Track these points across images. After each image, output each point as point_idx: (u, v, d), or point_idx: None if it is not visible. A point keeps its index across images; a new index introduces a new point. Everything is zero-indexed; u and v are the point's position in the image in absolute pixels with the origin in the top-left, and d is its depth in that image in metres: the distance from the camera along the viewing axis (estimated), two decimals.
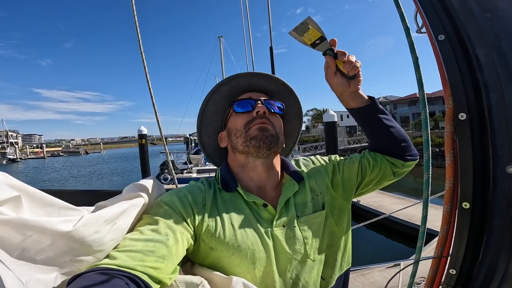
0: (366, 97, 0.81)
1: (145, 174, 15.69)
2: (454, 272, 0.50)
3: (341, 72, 0.76)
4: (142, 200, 0.66)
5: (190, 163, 17.37)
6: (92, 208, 0.63)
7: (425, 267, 0.64)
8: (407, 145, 0.83)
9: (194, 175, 14.10)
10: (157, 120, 1.23)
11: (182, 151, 21.78)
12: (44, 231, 0.46)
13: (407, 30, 0.65)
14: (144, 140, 15.96)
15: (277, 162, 0.82)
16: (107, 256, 0.55)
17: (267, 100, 0.81)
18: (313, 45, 0.74)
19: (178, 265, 0.63)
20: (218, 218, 0.70)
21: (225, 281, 0.62)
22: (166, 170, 16.64)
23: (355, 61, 0.72)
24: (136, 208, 0.64)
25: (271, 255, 0.69)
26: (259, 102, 0.79)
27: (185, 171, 16.11)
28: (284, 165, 0.85)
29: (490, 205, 0.46)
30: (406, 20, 0.61)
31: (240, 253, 0.67)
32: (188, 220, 0.67)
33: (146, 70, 1.11)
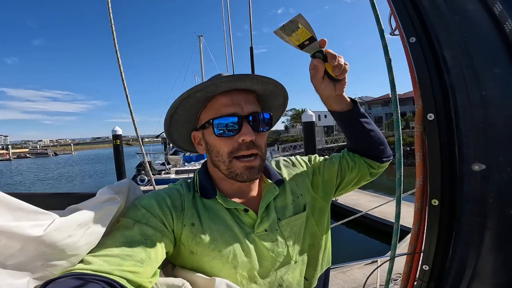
0: (349, 100, 0.80)
1: (120, 175, 15.14)
2: (427, 268, 0.52)
3: (328, 75, 0.71)
4: (117, 203, 0.63)
5: (169, 163, 16.98)
6: (63, 212, 0.61)
7: (401, 263, 0.65)
8: (384, 148, 0.86)
9: (173, 175, 13.84)
10: (133, 120, 1.18)
11: (160, 152, 21.26)
12: (13, 236, 0.45)
13: (381, 32, 0.67)
14: (119, 141, 15.43)
15: None
16: (82, 261, 0.53)
17: (254, 114, 0.70)
18: (301, 46, 0.68)
19: (158, 268, 0.61)
20: (198, 222, 0.69)
21: (208, 283, 0.61)
22: (142, 172, 16.17)
23: (344, 64, 0.68)
24: (112, 211, 0.61)
25: (253, 259, 0.68)
26: (245, 121, 0.68)
27: (163, 172, 15.77)
28: (264, 169, 0.82)
29: (458, 202, 0.48)
30: (381, 23, 0.62)
31: (222, 258, 0.66)
32: (167, 224, 0.65)
33: (121, 68, 1.06)
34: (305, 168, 0.87)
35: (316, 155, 0.95)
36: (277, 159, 0.92)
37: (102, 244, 0.57)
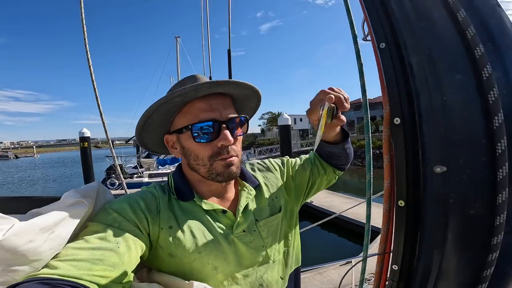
0: (338, 131, 0.83)
1: (88, 179, 14.37)
2: (396, 268, 0.53)
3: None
4: (85, 207, 0.60)
5: (141, 167, 16.38)
6: (25, 216, 0.58)
7: (374, 263, 0.67)
8: (350, 159, 0.94)
9: (146, 179, 13.36)
10: (102, 121, 1.11)
11: (132, 155, 20.48)
12: None
13: (354, 37, 0.69)
14: (86, 143, 14.72)
15: None
16: (47, 266, 0.50)
17: (232, 119, 0.71)
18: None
19: (132, 272, 0.59)
20: (176, 225, 0.67)
21: (186, 286, 0.60)
22: (113, 175, 15.47)
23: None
24: (78, 215, 0.59)
25: (233, 260, 0.69)
26: (224, 126, 0.69)
27: (136, 175, 15.19)
28: (240, 172, 0.83)
29: (422, 203, 0.50)
30: (355, 28, 0.63)
31: (202, 259, 0.66)
32: (141, 227, 0.63)
33: (91, 69, 0.99)
34: (279, 171, 0.91)
35: (289, 157, 0.99)
36: (251, 162, 0.93)
37: (69, 248, 0.54)
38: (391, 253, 0.54)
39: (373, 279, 0.64)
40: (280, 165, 0.93)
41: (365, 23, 0.65)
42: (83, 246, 0.54)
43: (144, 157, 18.75)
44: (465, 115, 0.48)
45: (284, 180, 0.89)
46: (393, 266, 0.53)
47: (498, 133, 0.46)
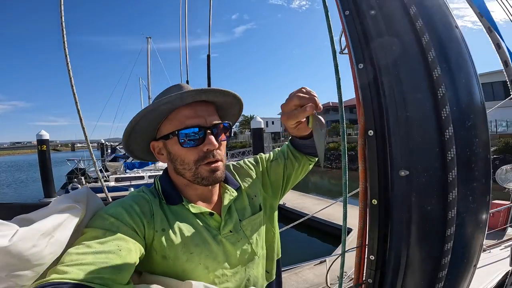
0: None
1: (47, 184, 13.32)
2: (373, 258, 0.62)
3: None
4: (79, 211, 0.62)
5: (107, 171, 15.49)
6: (11, 222, 0.57)
7: (347, 260, 0.75)
8: None
9: (112, 183, 12.65)
10: (82, 126, 1.09)
11: (97, 158, 19.28)
12: None
13: (334, 53, 0.77)
14: (45, 146, 13.65)
15: None
16: (55, 271, 0.51)
17: (217, 125, 0.75)
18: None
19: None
20: (168, 227, 0.70)
21: (183, 286, 0.63)
22: (75, 179, 14.47)
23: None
24: (74, 220, 0.60)
25: (222, 259, 0.73)
26: (209, 132, 0.72)
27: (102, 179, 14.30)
28: None
29: (391, 201, 0.59)
30: (334, 44, 0.71)
31: (193, 260, 0.69)
32: (138, 231, 0.66)
33: (70, 72, 0.97)
34: (254, 170, 0.95)
35: (262, 154, 1.02)
36: (227, 164, 0.96)
37: (72, 254, 0.55)
38: (367, 246, 0.63)
39: (351, 271, 0.72)
40: (254, 163, 0.97)
41: (343, 37, 0.72)
42: (86, 251, 0.55)
43: (110, 161, 17.79)
44: (423, 129, 0.58)
45: (260, 178, 0.94)
46: (370, 257, 0.62)
47: (448, 143, 0.56)
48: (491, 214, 4.70)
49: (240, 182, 0.89)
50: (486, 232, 0.65)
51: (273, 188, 0.95)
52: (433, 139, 0.57)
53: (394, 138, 0.60)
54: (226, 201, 0.81)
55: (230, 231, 0.77)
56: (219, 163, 0.75)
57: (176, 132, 0.71)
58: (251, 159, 1.00)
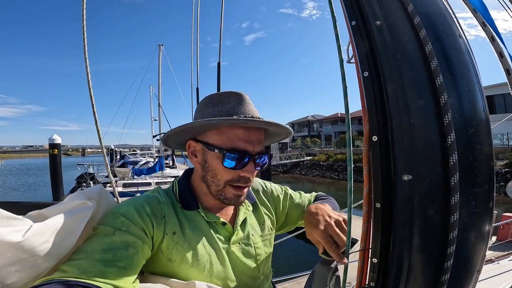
0: None
1: (56, 188, 13.54)
2: (376, 260, 0.62)
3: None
4: (91, 209, 0.63)
5: (115, 176, 15.70)
6: (25, 217, 0.57)
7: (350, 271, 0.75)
8: None
9: (120, 189, 12.78)
10: (97, 129, 1.14)
11: (104, 164, 19.58)
12: None
13: (341, 62, 0.79)
14: (56, 150, 13.95)
15: None
16: (61, 269, 0.52)
17: (261, 155, 0.74)
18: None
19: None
20: (179, 231, 0.71)
21: (186, 286, 0.64)
22: (84, 184, 14.68)
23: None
24: (86, 217, 0.61)
25: (227, 269, 0.74)
26: (252, 160, 0.72)
27: (108, 185, 14.51)
28: None
29: (394, 205, 0.60)
30: (342, 53, 0.73)
31: (199, 266, 0.70)
32: (147, 231, 0.67)
33: (88, 74, 1.03)
34: (280, 201, 0.97)
35: (289, 189, 1.03)
36: (259, 181, 0.98)
37: (81, 251, 0.56)
38: (370, 249, 0.64)
39: (354, 282, 0.73)
40: (282, 195, 0.98)
41: (350, 47, 0.75)
42: (95, 249, 0.57)
43: (118, 167, 18.03)
44: (426, 135, 0.59)
45: (280, 208, 0.96)
46: (373, 260, 0.62)
47: (451, 149, 0.57)
48: (501, 227, 4.57)
49: (262, 199, 0.92)
50: (491, 239, 0.65)
51: (283, 222, 0.98)
52: (436, 145, 0.59)
53: (398, 144, 0.62)
54: (241, 214, 0.82)
55: (239, 243, 0.78)
56: (246, 190, 0.76)
57: (224, 151, 0.69)
58: (279, 188, 1.01)
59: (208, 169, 0.74)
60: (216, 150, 0.71)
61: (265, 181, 0.99)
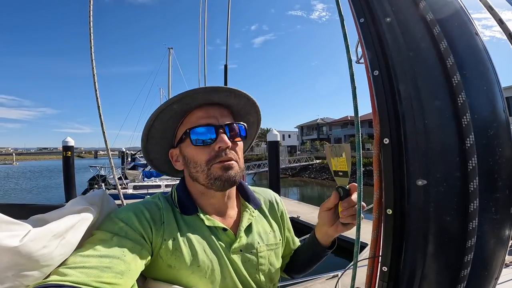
0: (332, 241, 0.87)
1: (69, 189, 13.87)
2: (386, 269, 0.59)
3: (336, 212, 0.77)
4: (92, 214, 0.62)
5: (126, 178, 15.98)
6: (27, 221, 0.58)
7: (358, 275, 0.72)
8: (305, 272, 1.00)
9: (130, 191, 13.01)
10: (103, 131, 1.15)
11: (117, 166, 19.98)
12: None
13: (350, 61, 0.76)
14: (70, 153, 14.33)
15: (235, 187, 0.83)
16: (57, 273, 0.51)
17: (230, 125, 0.74)
18: (335, 173, 0.75)
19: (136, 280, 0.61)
20: (178, 237, 0.69)
21: None
22: (96, 186, 15.00)
23: (352, 218, 0.74)
24: (86, 222, 0.60)
25: (229, 276, 0.71)
26: (221, 131, 0.72)
27: (120, 187, 14.74)
28: (241, 189, 0.86)
29: (407, 211, 0.57)
30: (350, 53, 0.71)
31: (200, 273, 0.68)
32: (146, 237, 0.65)
33: (95, 76, 1.03)
34: (285, 222, 0.96)
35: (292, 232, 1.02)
36: (275, 195, 0.97)
37: (78, 256, 0.55)
38: (380, 257, 0.61)
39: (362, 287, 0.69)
40: (287, 220, 0.97)
41: (359, 46, 0.72)
42: (92, 254, 0.56)
43: (129, 169, 18.35)
44: (443, 137, 0.56)
45: (284, 233, 0.93)
46: (383, 268, 0.59)
47: (469, 152, 0.53)
48: None
49: (274, 214, 0.90)
50: (510, 245, 0.60)
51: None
52: (453, 148, 0.55)
53: (411, 146, 0.58)
54: (245, 219, 0.79)
55: (240, 250, 0.75)
56: (233, 162, 0.73)
57: (188, 130, 0.71)
58: (288, 217, 1.00)
59: (189, 162, 0.75)
60: (184, 136, 0.74)
61: (281, 199, 0.97)
